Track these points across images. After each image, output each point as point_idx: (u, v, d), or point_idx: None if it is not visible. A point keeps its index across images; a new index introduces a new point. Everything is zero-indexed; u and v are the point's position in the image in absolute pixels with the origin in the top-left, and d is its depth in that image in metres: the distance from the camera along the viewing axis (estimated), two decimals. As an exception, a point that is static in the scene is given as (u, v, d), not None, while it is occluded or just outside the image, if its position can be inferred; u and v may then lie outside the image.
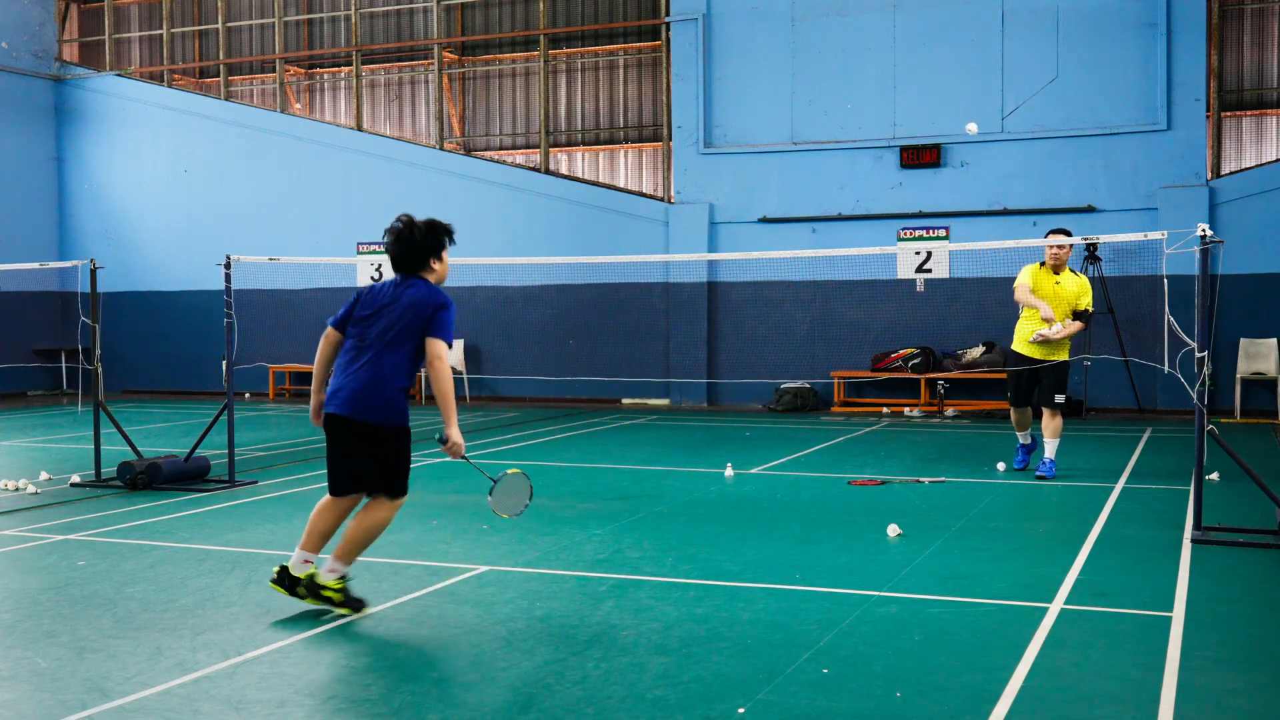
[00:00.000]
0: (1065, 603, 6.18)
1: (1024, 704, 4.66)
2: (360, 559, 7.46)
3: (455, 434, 5.88)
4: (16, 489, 10.25)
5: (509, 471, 6.20)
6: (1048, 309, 10.31)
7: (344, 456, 6.02)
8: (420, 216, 6.56)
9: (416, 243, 6.09)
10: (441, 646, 5.54)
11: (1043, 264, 10.64)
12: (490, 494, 6.07)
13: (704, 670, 5.10)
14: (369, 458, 5.98)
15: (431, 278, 6.11)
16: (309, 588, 6.04)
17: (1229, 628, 5.74)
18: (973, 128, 14.97)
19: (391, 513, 6.07)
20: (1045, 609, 6.05)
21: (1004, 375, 11.06)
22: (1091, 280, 14.04)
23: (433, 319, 5.88)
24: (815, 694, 4.79)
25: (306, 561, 6.08)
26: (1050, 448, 10.52)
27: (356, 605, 6.05)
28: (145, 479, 10.19)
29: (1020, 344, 10.69)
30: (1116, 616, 5.96)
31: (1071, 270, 10.67)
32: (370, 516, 6.03)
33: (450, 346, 5.91)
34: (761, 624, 5.82)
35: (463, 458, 6.02)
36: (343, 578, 6.05)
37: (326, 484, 6.13)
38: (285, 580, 6.07)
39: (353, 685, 4.99)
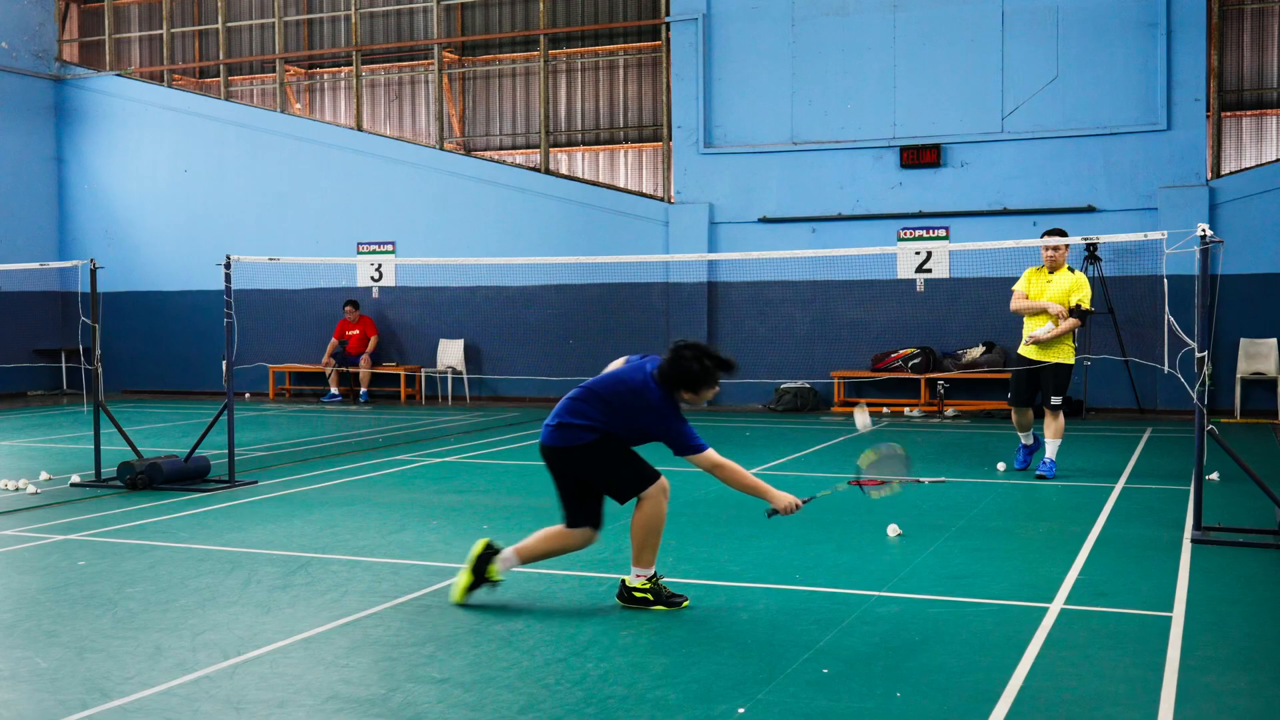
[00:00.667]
0: (1065, 603, 6.19)
1: (1024, 704, 4.66)
2: (360, 559, 7.47)
3: (781, 502, 6.08)
4: (16, 489, 10.25)
5: (866, 460, 6.40)
6: (1056, 305, 10.35)
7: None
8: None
9: (689, 373, 6.04)
10: (441, 646, 5.54)
11: (1041, 266, 10.70)
12: (861, 487, 6.37)
13: (704, 670, 5.10)
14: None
15: (682, 396, 6.09)
16: (621, 594, 6.19)
17: (1229, 628, 5.74)
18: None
19: (645, 507, 6.13)
20: (1045, 609, 6.05)
21: (1003, 375, 11.09)
22: (1091, 280, 14.04)
23: (665, 431, 6.02)
24: (815, 694, 4.79)
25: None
26: (1051, 448, 10.52)
27: (673, 601, 6.13)
28: (145, 479, 10.19)
29: (1022, 345, 10.75)
30: (1116, 616, 5.96)
31: (1069, 269, 10.68)
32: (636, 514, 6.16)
33: (703, 450, 6.02)
34: (761, 624, 5.82)
35: (807, 500, 6.21)
36: (651, 578, 6.14)
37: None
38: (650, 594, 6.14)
39: (353, 685, 4.99)
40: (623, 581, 6.22)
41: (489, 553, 6.24)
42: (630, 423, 6.02)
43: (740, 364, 21.12)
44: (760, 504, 6.25)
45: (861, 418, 7.93)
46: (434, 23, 21.00)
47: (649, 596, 6.09)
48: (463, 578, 6.25)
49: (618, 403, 6.03)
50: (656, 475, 6.16)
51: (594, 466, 6.07)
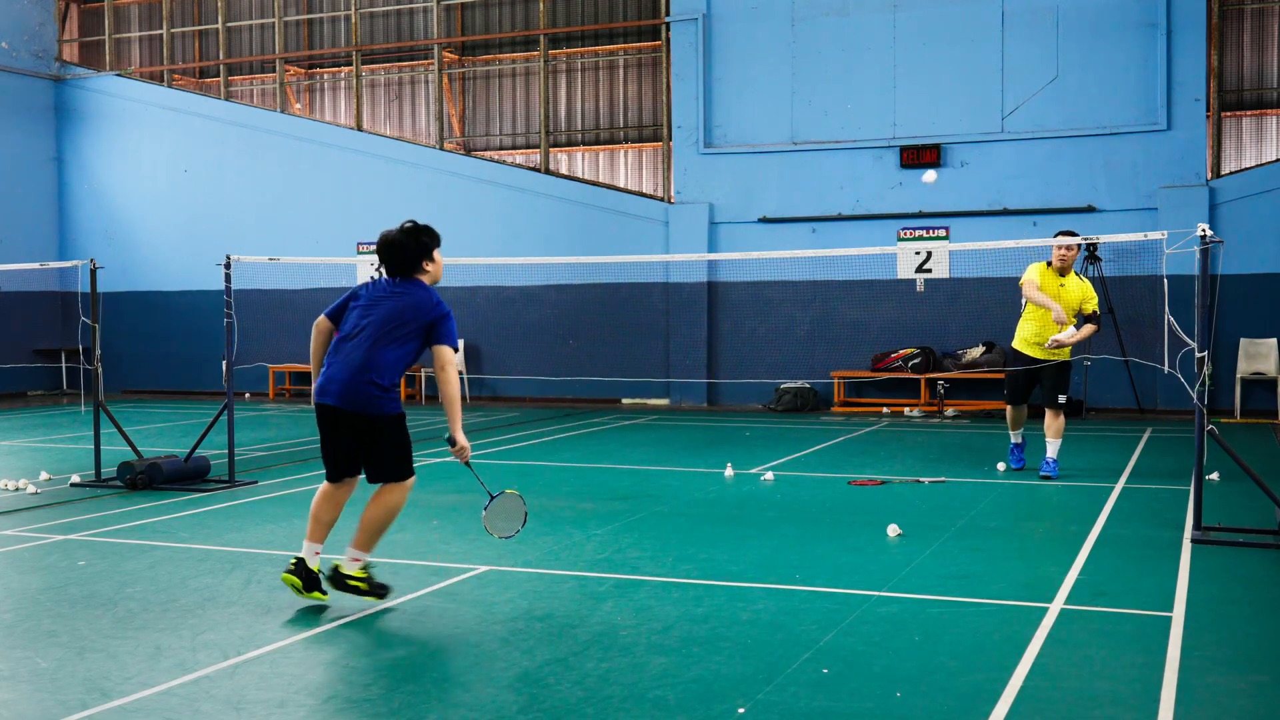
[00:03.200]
0: (1065, 603, 6.18)
1: (1024, 704, 4.66)
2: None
3: (461, 437, 6.13)
4: (16, 489, 10.25)
5: (507, 492, 6.37)
6: (1060, 311, 10.30)
7: (338, 444, 6.18)
8: (420, 217, 6.70)
9: (408, 246, 6.20)
10: (441, 646, 5.54)
11: (1048, 264, 10.62)
12: (485, 509, 6.27)
13: (704, 670, 5.10)
14: (368, 447, 6.14)
15: (425, 279, 6.26)
16: (334, 579, 6.13)
17: (1229, 628, 5.74)
18: (930, 176, 15.27)
19: (404, 494, 6.23)
20: (1045, 609, 6.05)
21: (1003, 375, 11.07)
22: (1092, 280, 14.03)
23: (437, 325, 6.08)
24: (815, 694, 4.79)
25: (316, 553, 6.20)
26: (1052, 448, 10.52)
27: (381, 591, 6.18)
28: (145, 479, 10.19)
29: (1021, 343, 10.68)
30: (1116, 616, 5.96)
31: (1075, 274, 10.67)
32: (383, 502, 6.18)
33: (456, 351, 6.12)
34: (761, 624, 5.82)
35: (467, 463, 6.26)
36: (365, 566, 6.18)
37: (325, 473, 6.26)
38: (301, 572, 6.14)
39: (353, 685, 4.99)
40: (301, 560, 6.16)
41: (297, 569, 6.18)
42: (417, 330, 6.09)
43: (740, 364, 21.04)
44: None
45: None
46: (434, 23, 21.00)
47: (363, 584, 6.12)
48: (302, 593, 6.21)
49: (409, 323, 6.07)
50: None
51: (397, 437, 6.18)
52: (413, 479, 6.27)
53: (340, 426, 6.14)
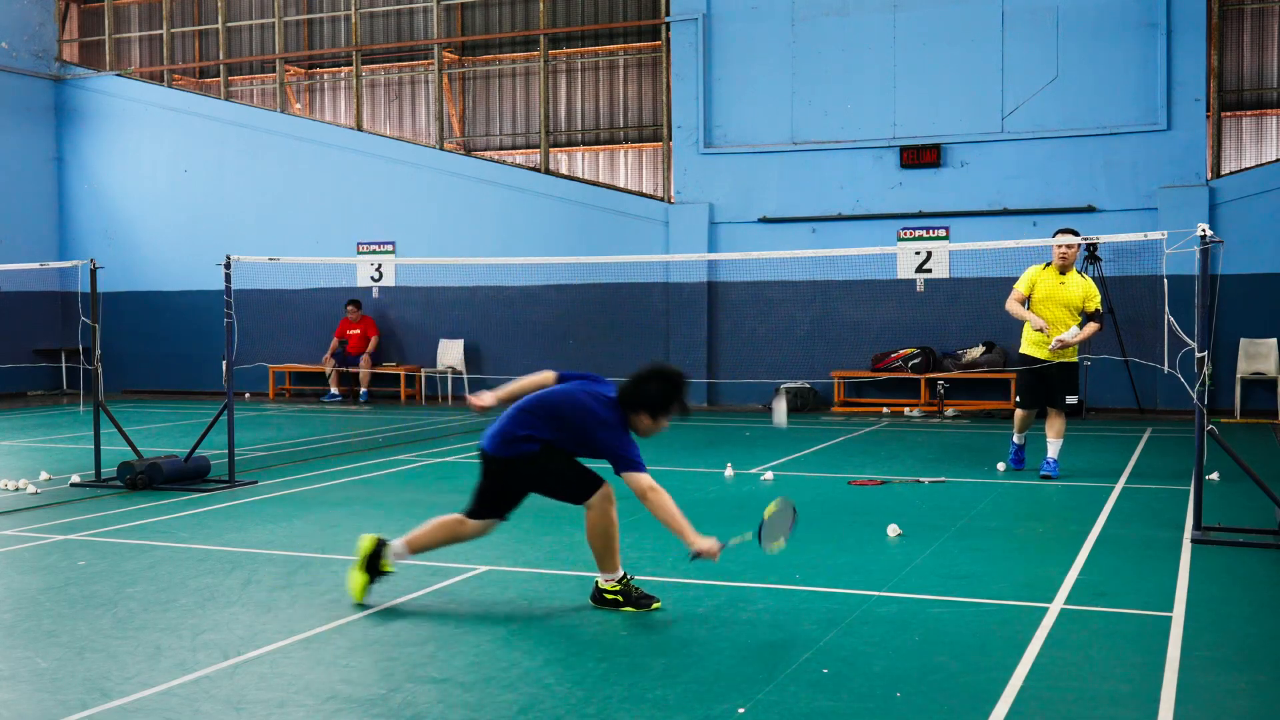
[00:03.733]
0: (1065, 603, 6.19)
1: (1024, 704, 4.66)
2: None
3: (699, 544, 5.83)
4: (16, 489, 10.25)
5: (769, 512, 6.14)
6: (1038, 320, 10.29)
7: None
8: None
9: (649, 392, 6.06)
10: (441, 646, 5.54)
11: (1048, 264, 10.60)
12: (759, 540, 6.00)
13: (704, 670, 5.10)
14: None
15: (637, 425, 6.10)
16: (594, 596, 6.21)
17: (1229, 628, 5.74)
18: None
19: (591, 514, 6.14)
20: (1045, 609, 6.05)
21: (1003, 375, 11.07)
22: (1092, 280, 14.03)
23: (604, 446, 6.00)
24: (815, 694, 4.79)
25: (607, 579, 6.20)
26: (1053, 448, 10.52)
27: (642, 602, 6.11)
28: (145, 479, 10.19)
29: (1028, 345, 10.62)
30: (1116, 616, 5.96)
31: (1076, 272, 10.65)
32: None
33: (643, 470, 5.96)
34: (761, 624, 5.82)
35: (724, 546, 5.94)
36: (621, 579, 6.15)
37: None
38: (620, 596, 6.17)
39: (353, 685, 4.99)
40: (595, 583, 6.24)
41: (379, 548, 6.29)
42: (579, 437, 6.01)
43: (740, 364, 21.02)
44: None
45: (779, 412, 7.90)
46: (434, 23, 21.00)
47: (619, 598, 6.10)
48: (358, 577, 6.26)
49: (573, 418, 6.00)
50: (600, 482, 6.10)
51: (540, 475, 6.09)
52: (597, 494, 6.08)
53: None
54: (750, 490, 10.07)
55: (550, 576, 6.85)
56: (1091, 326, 10.45)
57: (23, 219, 22.22)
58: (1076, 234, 10.63)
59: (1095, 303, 10.51)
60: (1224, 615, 5.96)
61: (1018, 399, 10.86)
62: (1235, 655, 5.31)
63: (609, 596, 6.12)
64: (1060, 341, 10.26)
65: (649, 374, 6.10)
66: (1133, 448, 12.78)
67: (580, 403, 6.03)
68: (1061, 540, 7.88)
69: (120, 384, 21.73)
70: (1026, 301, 10.64)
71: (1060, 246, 10.39)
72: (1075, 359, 10.63)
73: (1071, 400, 10.54)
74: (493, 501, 6.26)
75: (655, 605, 6.10)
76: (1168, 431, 14.47)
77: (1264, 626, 5.80)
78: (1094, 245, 16.02)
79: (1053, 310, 10.48)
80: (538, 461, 6.05)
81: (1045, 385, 10.57)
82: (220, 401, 11.16)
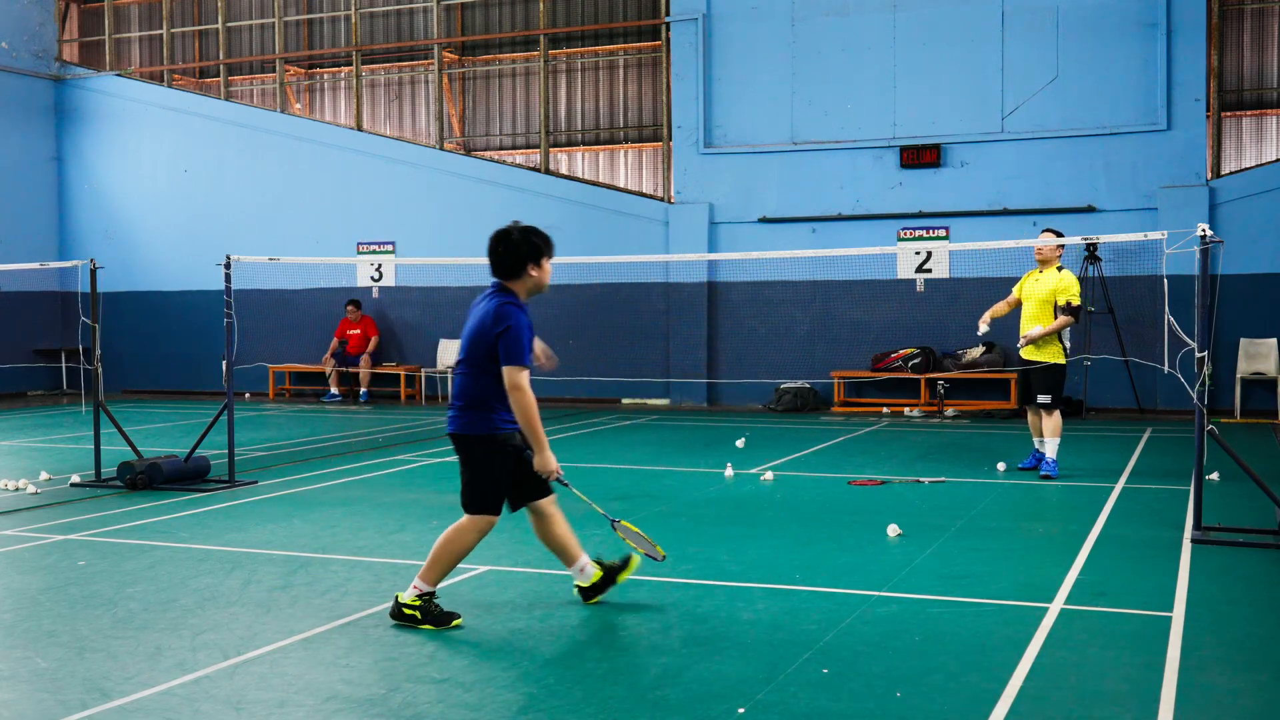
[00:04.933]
0: (1065, 603, 6.18)
1: (1024, 704, 4.66)
2: (360, 559, 7.46)
3: (544, 460, 5.80)
4: (16, 489, 10.25)
5: (641, 538, 6.44)
6: (984, 318, 10.77)
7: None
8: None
9: (514, 245, 5.97)
10: (441, 646, 5.54)
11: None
12: (617, 524, 6.44)
13: (704, 670, 5.10)
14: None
15: (525, 285, 6.00)
16: (393, 610, 5.91)
17: (1229, 628, 5.74)
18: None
19: (469, 530, 5.87)
20: (1045, 609, 6.05)
21: (1003, 375, 11.14)
22: (1092, 280, 14.06)
23: (498, 343, 5.74)
24: (815, 694, 4.79)
25: (581, 570, 6.16)
26: (1051, 447, 10.53)
27: (442, 620, 5.84)
28: (145, 479, 10.19)
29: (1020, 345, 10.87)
30: (1116, 616, 5.96)
31: (1058, 268, 10.72)
32: (448, 533, 5.93)
33: (525, 368, 5.74)
34: (761, 624, 5.82)
35: (562, 482, 5.98)
36: (423, 594, 5.85)
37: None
38: (594, 590, 6.17)
39: (353, 685, 4.99)
40: (396, 596, 5.95)
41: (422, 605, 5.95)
42: (492, 352, 5.77)
43: (740, 364, 21.03)
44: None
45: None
46: (434, 23, 21.00)
47: (417, 615, 5.81)
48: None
49: (481, 342, 5.81)
50: (497, 513, 5.90)
51: (476, 463, 5.85)
52: (481, 517, 5.84)
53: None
54: (750, 490, 10.07)
55: (550, 576, 6.85)
56: (1061, 319, 10.49)
57: (23, 219, 22.22)
58: (1059, 234, 10.84)
59: (1066, 296, 10.51)
60: (1224, 615, 5.96)
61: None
62: (1235, 655, 5.31)
63: (408, 611, 5.81)
64: (1024, 338, 10.49)
65: (503, 242, 5.98)
66: (1133, 448, 12.77)
67: (477, 326, 5.88)
68: (1061, 540, 7.89)
69: (120, 384, 21.73)
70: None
71: (1037, 244, 10.63)
72: (1051, 358, 10.57)
73: (1044, 399, 10.52)
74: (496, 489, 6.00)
75: (456, 623, 5.81)
76: (1168, 431, 14.47)
77: (1264, 626, 5.80)
78: (1094, 245, 16.02)
79: (1026, 306, 10.72)
80: (483, 446, 5.84)
81: (1024, 384, 10.76)
82: (220, 401, 11.16)
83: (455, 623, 5.82)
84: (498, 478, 5.85)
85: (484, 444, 5.82)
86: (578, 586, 6.22)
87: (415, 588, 5.87)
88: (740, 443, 12.83)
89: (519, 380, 5.68)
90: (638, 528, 6.71)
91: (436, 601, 5.86)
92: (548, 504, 6.03)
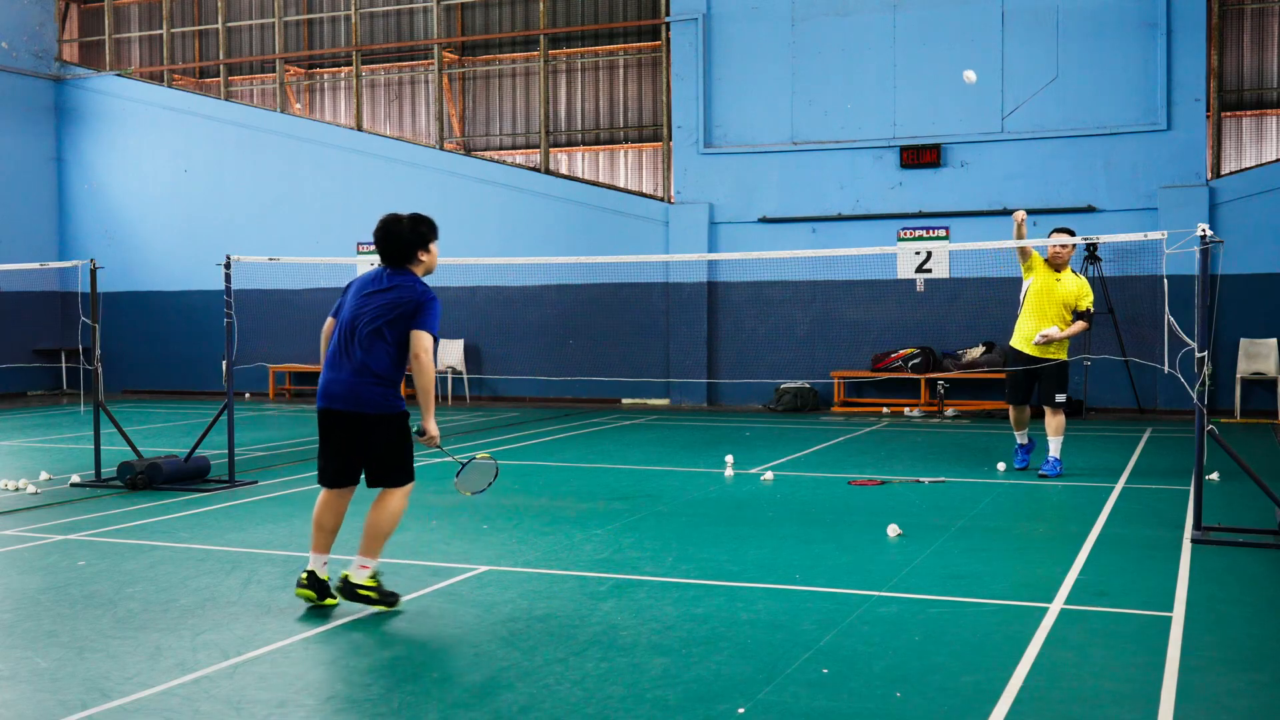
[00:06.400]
0: (1065, 603, 6.18)
1: (1024, 704, 4.66)
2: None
3: (432, 426, 6.12)
4: (16, 489, 10.25)
5: (478, 456, 6.52)
6: (1018, 226, 10.37)
7: (337, 448, 6.15)
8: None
9: (404, 235, 6.25)
10: (441, 646, 5.54)
11: (1046, 261, 10.65)
12: (457, 475, 6.43)
13: (704, 670, 5.10)
14: (367, 450, 6.11)
15: (419, 269, 6.29)
16: (344, 589, 6.07)
17: (1229, 628, 5.74)
18: (970, 76, 14.24)
19: (404, 499, 6.21)
20: (1045, 609, 6.05)
21: (1003, 375, 11.06)
22: (1091, 280, 14.04)
23: (418, 311, 6.04)
24: (815, 694, 4.79)
25: (324, 564, 6.17)
26: (1054, 446, 10.52)
27: (391, 599, 6.11)
28: (145, 479, 10.19)
29: (1020, 341, 10.66)
30: (1116, 616, 5.96)
31: (1072, 271, 10.66)
32: (384, 507, 6.15)
33: (435, 339, 6.09)
34: (761, 624, 5.82)
35: (438, 448, 6.26)
36: (374, 574, 6.12)
37: (320, 480, 6.24)
38: (314, 585, 6.11)
39: (353, 685, 4.99)
40: (344, 576, 6.07)
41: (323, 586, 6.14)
42: (406, 322, 6.06)
43: (740, 364, 21.00)
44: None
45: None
46: (434, 23, 21.00)
47: (374, 594, 6.04)
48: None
49: (400, 318, 6.06)
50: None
51: (403, 435, 6.18)
52: (411, 484, 6.24)
53: (340, 430, 6.11)
54: (750, 490, 10.07)
55: (550, 576, 6.85)
56: (1079, 324, 10.48)
57: (23, 219, 22.22)
58: (1073, 234, 10.66)
59: (1086, 302, 10.53)
60: (1224, 615, 5.96)
61: (1005, 394, 10.93)
62: (1235, 655, 5.30)
63: (362, 591, 6.01)
64: (1044, 336, 10.36)
65: (390, 231, 6.29)
66: (1133, 448, 12.77)
67: (392, 301, 6.07)
68: (1061, 540, 7.88)
69: (120, 384, 21.73)
70: (1023, 290, 10.71)
71: (1054, 246, 10.44)
72: (1064, 356, 10.60)
73: (1060, 398, 10.52)
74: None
75: (398, 599, 6.11)
76: (1168, 431, 14.47)
77: (1264, 626, 5.80)
78: (1094, 245, 16.02)
79: (1047, 306, 10.53)
80: (399, 423, 6.14)
81: (1033, 383, 10.61)
82: (220, 401, 11.16)
83: (399, 602, 6.10)
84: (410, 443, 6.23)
85: (404, 419, 6.19)
86: (345, 577, 6.09)
87: (364, 567, 6.08)
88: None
89: (430, 345, 6.05)
90: (488, 455, 6.68)
91: (381, 579, 6.14)
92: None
